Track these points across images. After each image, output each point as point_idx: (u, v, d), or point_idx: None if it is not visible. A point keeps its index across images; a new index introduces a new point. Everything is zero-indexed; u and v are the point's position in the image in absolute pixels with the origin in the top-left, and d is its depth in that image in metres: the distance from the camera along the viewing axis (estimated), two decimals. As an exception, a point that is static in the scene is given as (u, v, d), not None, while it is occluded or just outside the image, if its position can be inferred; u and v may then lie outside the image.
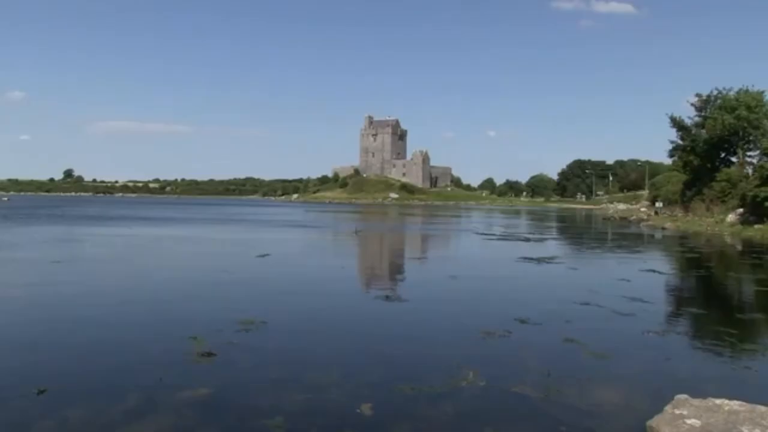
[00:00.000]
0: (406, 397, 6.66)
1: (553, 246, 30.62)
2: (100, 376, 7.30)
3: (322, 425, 5.90)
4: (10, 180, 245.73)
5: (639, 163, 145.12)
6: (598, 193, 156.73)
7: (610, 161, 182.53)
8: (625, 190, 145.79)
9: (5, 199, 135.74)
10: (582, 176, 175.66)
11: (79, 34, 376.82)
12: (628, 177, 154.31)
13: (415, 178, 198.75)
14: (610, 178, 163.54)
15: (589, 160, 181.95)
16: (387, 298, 13.02)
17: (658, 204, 69.96)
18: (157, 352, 8.38)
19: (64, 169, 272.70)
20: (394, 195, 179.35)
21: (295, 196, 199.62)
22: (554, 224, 58.18)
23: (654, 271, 18.67)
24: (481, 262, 22.79)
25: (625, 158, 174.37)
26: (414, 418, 6.12)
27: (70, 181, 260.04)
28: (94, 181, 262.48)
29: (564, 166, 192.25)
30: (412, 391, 6.81)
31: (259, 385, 7.10)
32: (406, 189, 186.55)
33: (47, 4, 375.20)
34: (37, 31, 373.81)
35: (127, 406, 6.24)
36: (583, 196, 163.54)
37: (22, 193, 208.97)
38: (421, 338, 9.62)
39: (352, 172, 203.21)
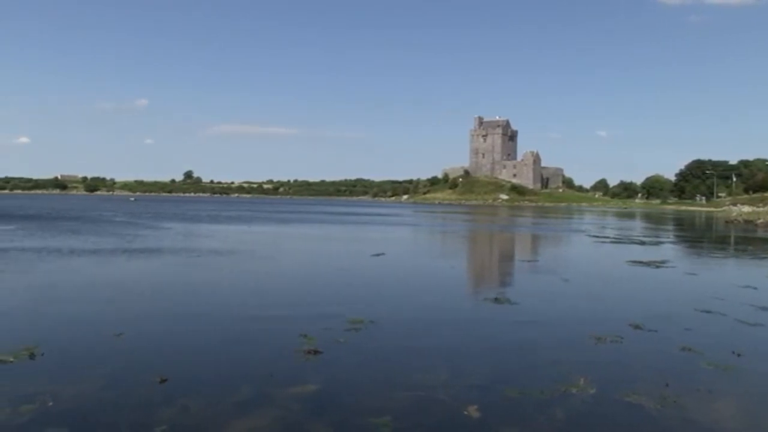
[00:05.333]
0: (514, 400, 6.56)
1: (669, 250, 29.17)
2: (216, 368, 7.64)
3: (428, 426, 5.90)
4: (136, 181, 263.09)
5: (767, 163, 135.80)
6: (720, 194, 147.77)
7: (733, 161, 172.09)
8: (750, 192, 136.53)
9: (132, 199, 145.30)
10: (702, 177, 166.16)
11: (194, 47, 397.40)
12: (754, 177, 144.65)
13: (526, 179, 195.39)
14: (734, 179, 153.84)
15: (710, 160, 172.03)
16: (496, 299, 12.86)
17: (789, 206, 65.40)
18: (270, 347, 8.69)
19: (184, 170, 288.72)
20: (504, 196, 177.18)
21: (405, 197, 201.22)
22: (671, 227, 55.39)
23: (784, 278, 17.40)
24: (594, 264, 22.05)
25: (750, 157, 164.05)
26: (522, 422, 6.01)
27: (190, 182, 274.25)
28: (212, 182, 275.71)
29: (682, 167, 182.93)
30: (520, 394, 6.70)
31: (365, 383, 7.19)
32: (517, 190, 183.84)
33: (168, 24, 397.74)
34: (158, 45, 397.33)
35: (240, 398, 6.50)
36: (703, 198, 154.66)
37: (147, 194, 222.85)
38: (529, 341, 9.44)
39: (462, 173, 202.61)
